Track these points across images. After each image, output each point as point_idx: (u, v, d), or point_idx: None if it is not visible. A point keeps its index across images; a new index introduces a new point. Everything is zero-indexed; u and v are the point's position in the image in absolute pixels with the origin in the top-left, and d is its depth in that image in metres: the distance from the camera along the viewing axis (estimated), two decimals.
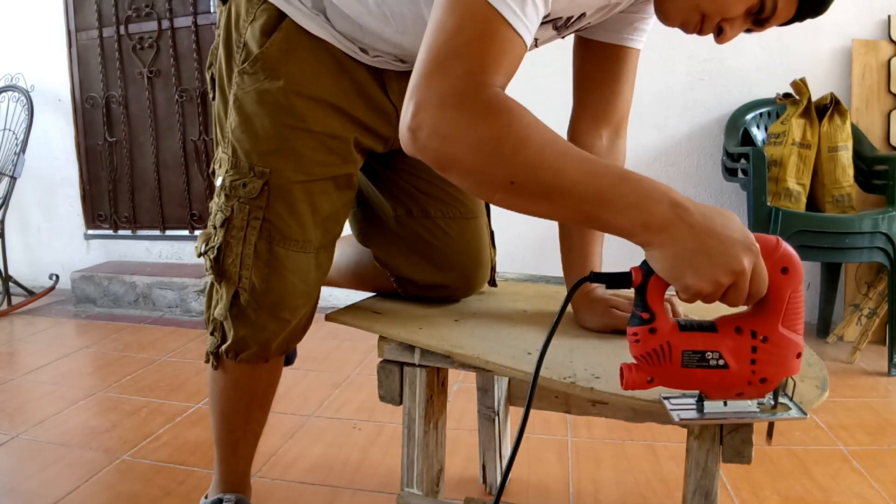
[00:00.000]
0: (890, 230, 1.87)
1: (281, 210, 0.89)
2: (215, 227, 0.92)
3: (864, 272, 2.20)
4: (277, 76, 0.87)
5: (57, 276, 3.06)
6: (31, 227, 3.23)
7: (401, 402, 0.92)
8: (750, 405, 0.66)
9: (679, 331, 0.63)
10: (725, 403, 0.66)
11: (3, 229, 2.85)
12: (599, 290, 0.95)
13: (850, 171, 2.05)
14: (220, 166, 0.93)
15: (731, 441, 0.72)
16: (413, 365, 0.90)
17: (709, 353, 0.62)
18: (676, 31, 0.77)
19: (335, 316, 0.99)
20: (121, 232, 3.13)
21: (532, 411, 1.27)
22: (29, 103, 2.90)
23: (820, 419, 1.60)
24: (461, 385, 1.85)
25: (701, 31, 0.75)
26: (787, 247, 0.61)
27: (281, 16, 0.87)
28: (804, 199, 2.05)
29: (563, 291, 1.01)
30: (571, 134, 0.99)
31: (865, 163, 2.09)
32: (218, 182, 0.93)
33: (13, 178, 2.84)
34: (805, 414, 0.65)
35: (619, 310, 0.90)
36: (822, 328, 2.25)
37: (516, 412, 1.33)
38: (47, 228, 3.22)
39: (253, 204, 0.88)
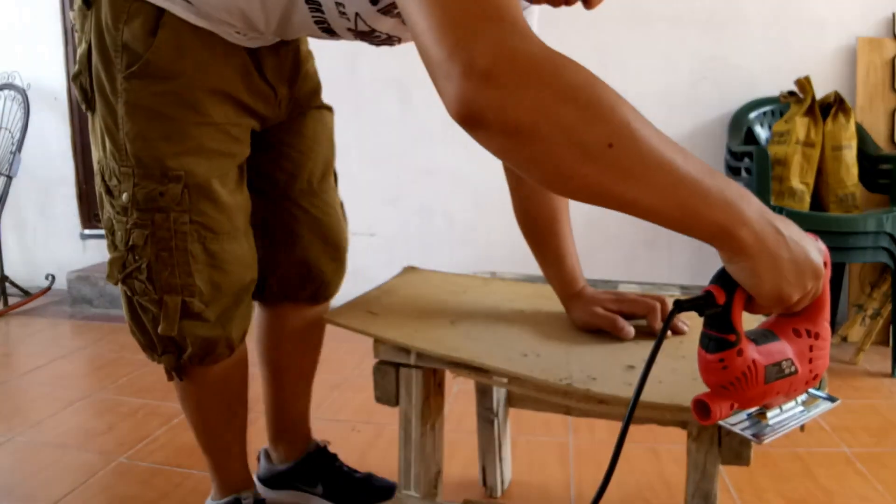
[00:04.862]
0: (894, 230, 1.86)
1: (205, 208, 0.88)
2: (131, 249, 0.87)
3: (868, 272, 2.18)
4: (174, 74, 0.84)
5: (53, 277, 3.04)
6: (28, 226, 3.21)
7: (397, 404, 0.91)
8: (794, 405, 0.65)
9: (757, 346, 0.59)
10: (781, 408, 0.64)
11: None
12: (589, 288, 0.94)
13: (855, 171, 2.04)
14: (118, 182, 0.87)
15: (729, 443, 0.71)
16: (409, 366, 0.88)
17: (784, 363, 0.60)
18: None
19: (329, 317, 0.97)
20: None
21: (532, 413, 1.25)
22: (25, 102, 2.89)
23: (823, 421, 1.58)
24: (461, 387, 1.83)
25: (567, 2, 0.70)
26: (822, 243, 0.61)
27: (157, 11, 0.82)
28: (808, 199, 2.03)
29: None
30: None
31: (870, 162, 2.07)
32: (123, 199, 0.86)
33: (9, 178, 2.83)
34: (837, 399, 0.66)
35: (604, 308, 0.89)
36: None
37: (516, 414, 1.32)
38: (43, 228, 3.20)
39: (176, 210, 0.86)
